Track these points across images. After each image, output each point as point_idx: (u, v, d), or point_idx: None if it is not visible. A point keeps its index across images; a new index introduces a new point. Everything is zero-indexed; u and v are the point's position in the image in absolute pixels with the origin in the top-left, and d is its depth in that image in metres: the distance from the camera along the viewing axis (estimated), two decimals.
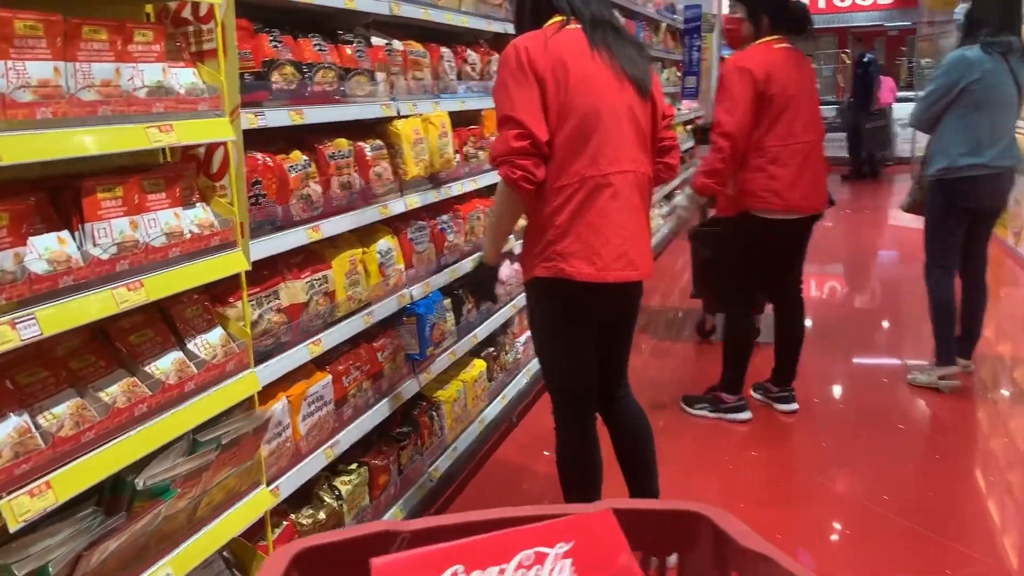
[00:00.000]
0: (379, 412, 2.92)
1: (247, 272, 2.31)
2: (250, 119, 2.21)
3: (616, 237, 2.45)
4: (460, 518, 0.93)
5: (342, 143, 2.72)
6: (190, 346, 1.77)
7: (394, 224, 3.14)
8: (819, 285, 7.05)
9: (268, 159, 2.34)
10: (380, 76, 2.95)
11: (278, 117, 2.34)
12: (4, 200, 1.32)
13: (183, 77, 1.71)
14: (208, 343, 1.81)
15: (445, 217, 3.49)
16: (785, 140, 3.77)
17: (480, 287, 2.93)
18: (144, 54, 1.59)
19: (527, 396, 4.30)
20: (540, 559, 0.82)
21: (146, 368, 1.65)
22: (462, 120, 3.75)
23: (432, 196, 3.30)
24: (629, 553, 0.88)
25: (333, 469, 2.77)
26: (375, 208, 2.88)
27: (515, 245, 3.96)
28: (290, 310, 2.46)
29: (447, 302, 3.47)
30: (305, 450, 2.50)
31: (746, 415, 4.14)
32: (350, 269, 2.77)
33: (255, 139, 2.41)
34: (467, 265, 3.62)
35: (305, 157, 2.53)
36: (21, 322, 1.31)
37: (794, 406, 4.25)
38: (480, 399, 3.79)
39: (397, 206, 3.03)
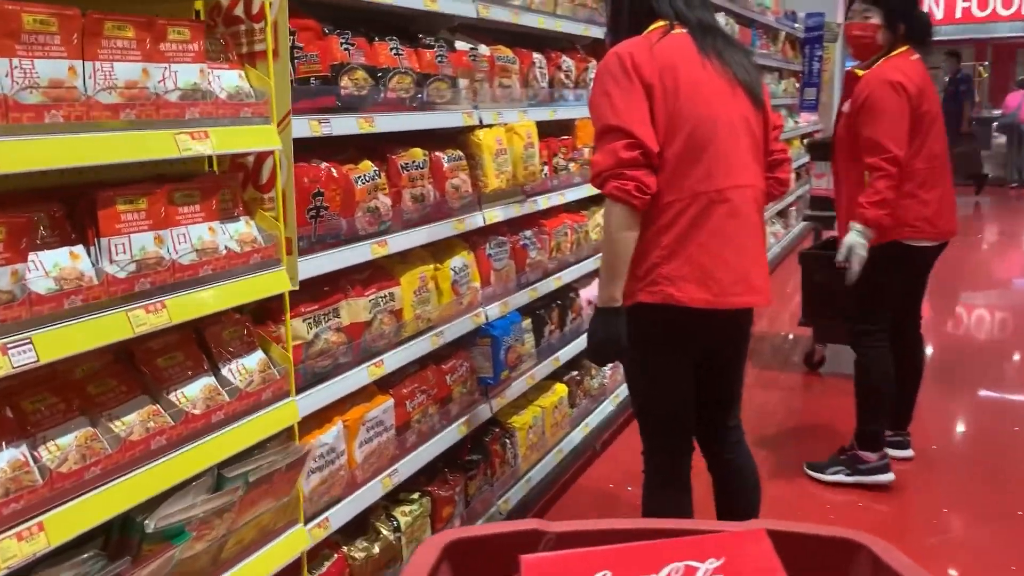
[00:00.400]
0: (446, 439, 2.74)
1: (304, 289, 2.17)
2: (314, 126, 2.07)
3: (735, 258, 2.21)
4: (607, 524, 0.92)
5: (417, 153, 2.56)
6: (224, 371, 1.63)
7: (471, 239, 2.97)
8: (942, 315, 6.49)
9: (333, 169, 2.20)
10: (463, 83, 2.78)
11: (346, 124, 2.20)
12: (4, 212, 1.20)
13: (227, 80, 1.57)
14: (245, 368, 1.67)
15: (529, 232, 3.29)
16: (931, 161, 3.41)
17: (604, 344, 2.27)
18: (179, 54, 1.45)
19: (613, 424, 4.05)
20: (690, 573, 0.80)
21: (171, 395, 1.51)
22: (553, 130, 3.55)
23: (514, 210, 3.11)
24: (783, 574, 0.87)
25: (393, 498, 2.61)
26: (450, 223, 2.71)
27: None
28: (351, 329, 2.31)
29: (527, 323, 3.27)
30: (361, 479, 2.35)
31: (889, 476, 3.58)
32: (420, 286, 2.60)
33: (321, 147, 2.27)
34: (550, 284, 3.41)
35: (375, 167, 2.38)
36: (15, 347, 1.19)
37: (909, 452, 3.84)
38: (560, 426, 3.57)
39: (475, 220, 2.85)
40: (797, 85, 9.29)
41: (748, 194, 2.26)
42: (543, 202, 3.32)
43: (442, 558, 0.86)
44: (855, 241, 3.27)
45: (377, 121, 2.31)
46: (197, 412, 1.51)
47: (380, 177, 2.39)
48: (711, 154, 2.20)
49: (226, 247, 1.57)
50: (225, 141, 1.51)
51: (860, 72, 3.49)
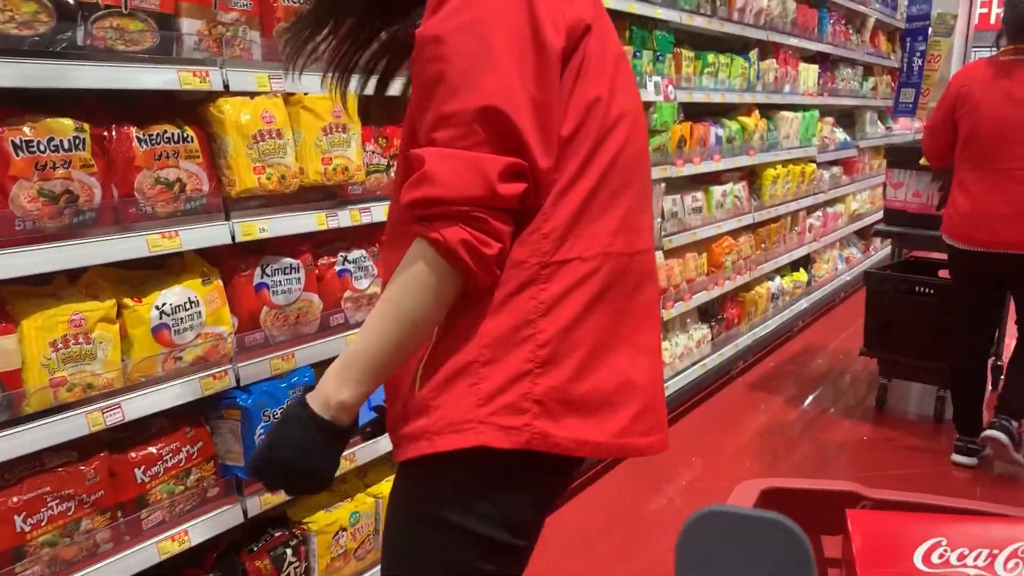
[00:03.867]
0: (128, 565, 1.80)
1: None
2: None
3: (645, 369, 1.21)
4: (932, 499, 0.86)
5: (59, 126, 1.62)
6: None
7: (224, 261, 2.02)
8: None
9: None
10: (189, 24, 1.83)
11: None
12: None
13: None
14: None
15: (356, 254, 2.31)
16: None
17: (301, 467, 1.14)
18: None
19: None
20: None
21: None
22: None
23: (315, 221, 2.13)
24: None
25: None
26: (140, 238, 1.76)
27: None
28: None
29: None
30: None
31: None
32: (69, 334, 1.67)
33: None
34: None
35: None
36: None
37: None
38: None
39: (211, 235, 1.90)
40: (892, 84, 7.86)
41: (654, 260, 1.29)
42: (381, 211, 2.33)
43: (759, 501, 0.85)
44: None
45: None
46: None
47: None
48: (635, 187, 1.22)
49: None
50: None
51: None
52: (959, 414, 3.53)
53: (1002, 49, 3.24)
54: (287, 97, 2.03)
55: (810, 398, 4.47)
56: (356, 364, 1.11)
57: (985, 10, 13.57)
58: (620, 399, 1.16)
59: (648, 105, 3.59)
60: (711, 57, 4.11)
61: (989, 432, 3.33)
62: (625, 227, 1.19)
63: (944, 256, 3.61)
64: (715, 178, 4.42)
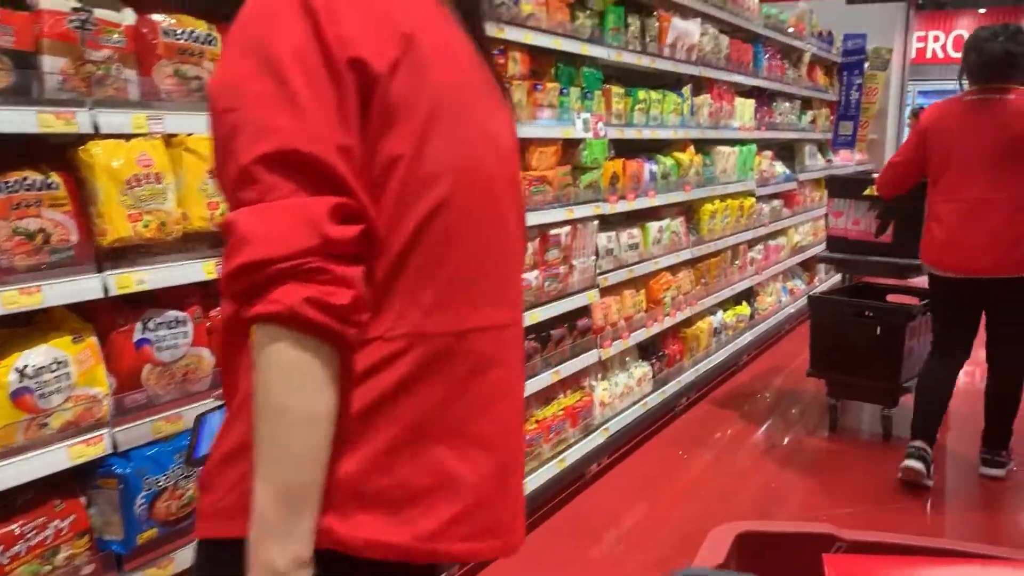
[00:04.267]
0: None
1: None
2: None
3: (479, 464, 1.05)
4: (907, 539, 0.86)
5: None
6: None
7: (103, 316, 1.86)
8: None
9: None
10: (51, 63, 1.70)
11: None
12: None
13: None
14: None
15: None
16: None
17: None
18: None
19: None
20: None
21: None
22: None
23: (201, 271, 1.99)
24: None
25: None
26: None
27: None
28: None
29: None
30: None
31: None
32: None
33: None
34: None
35: None
36: None
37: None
38: None
39: (78, 288, 1.75)
40: (830, 117, 7.94)
41: (516, 336, 1.14)
42: None
43: (733, 547, 0.84)
44: None
45: None
46: None
47: None
48: (471, 254, 1.05)
49: None
50: None
51: None
52: (920, 422, 3.58)
53: (967, 90, 3.47)
54: (168, 139, 1.90)
55: (759, 432, 4.38)
56: (282, 507, 0.90)
57: (921, 44, 13.95)
58: (435, 498, 1.00)
59: (578, 142, 3.52)
60: (642, 93, 4.06)
61: (985, 471, 3.68)
62: (449, 302, 1.02)
63: (890, 281, 3.99)
64: (652, 214, 4.36)
